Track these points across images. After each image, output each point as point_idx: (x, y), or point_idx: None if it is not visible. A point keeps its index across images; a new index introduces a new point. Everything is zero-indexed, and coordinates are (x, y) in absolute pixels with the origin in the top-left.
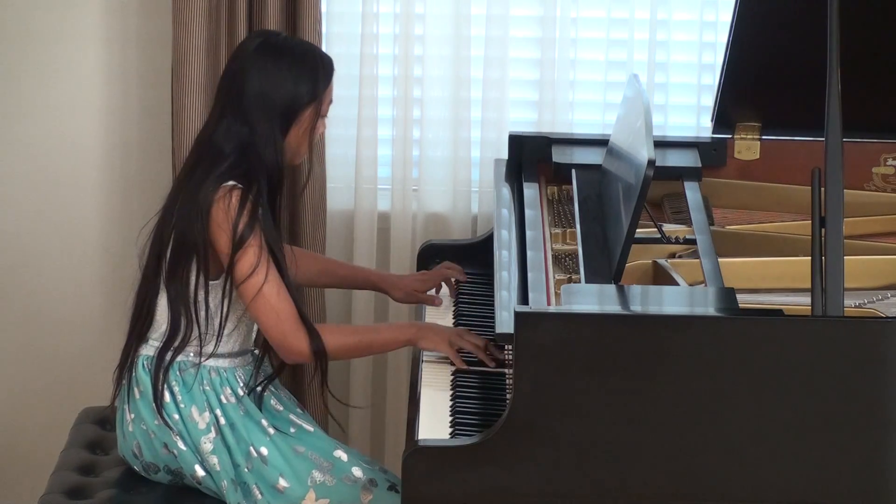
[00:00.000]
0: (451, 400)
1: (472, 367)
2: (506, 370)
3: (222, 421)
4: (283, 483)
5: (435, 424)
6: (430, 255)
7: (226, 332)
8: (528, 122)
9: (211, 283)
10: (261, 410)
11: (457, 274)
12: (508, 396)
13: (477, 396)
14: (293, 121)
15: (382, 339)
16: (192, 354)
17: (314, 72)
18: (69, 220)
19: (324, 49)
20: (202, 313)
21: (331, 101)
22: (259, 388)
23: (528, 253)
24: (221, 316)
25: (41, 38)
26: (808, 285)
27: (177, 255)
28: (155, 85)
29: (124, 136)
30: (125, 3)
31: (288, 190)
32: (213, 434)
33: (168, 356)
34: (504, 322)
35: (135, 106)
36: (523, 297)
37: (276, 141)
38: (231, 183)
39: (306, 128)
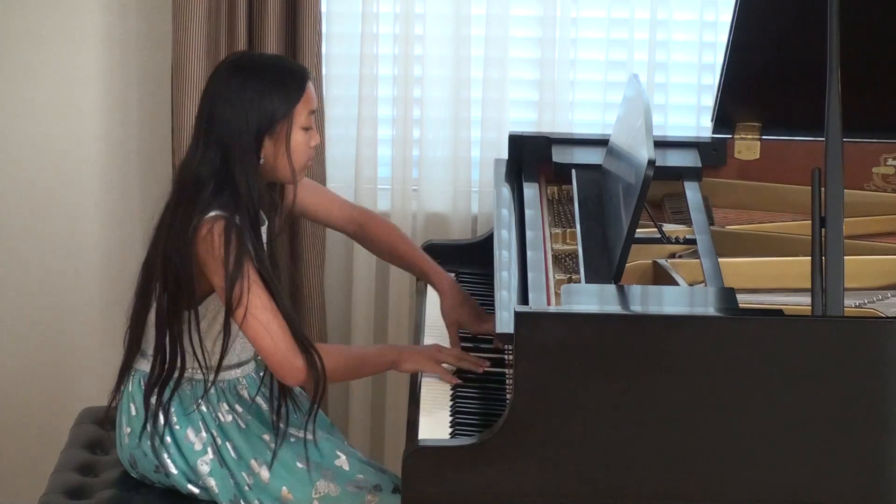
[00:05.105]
0: (451, 400)
1: (464, 381)
2: (506, 370)
3: (219, 441)
4: (287, 495)
5: (435, 424)
6: (430, 255)
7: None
8: (528, 122)
9: (201, 310)
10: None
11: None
12: (508, 396)
13: (477, 396)
14: (263, 139)
15: (371, 362)
16: (189, 371)
17: (281, 87)
18: (69, 220)
19: (324, 49)
20: (189, 347)
21: (312, 111)
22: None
23: (528, 253)
24: (223, 346)
25: (41, 38)
26: (808, 285)
27: (164, 282)
28: (155, 85)
29: (124, 136)
30: (125, 3)
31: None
32: (209, 455)
33: (155, 394)
34: (504, 322)
35: (135, 106)
36: (523, 297)
37: (249, 163)
38: (213, 213)
39: (281, 143)
